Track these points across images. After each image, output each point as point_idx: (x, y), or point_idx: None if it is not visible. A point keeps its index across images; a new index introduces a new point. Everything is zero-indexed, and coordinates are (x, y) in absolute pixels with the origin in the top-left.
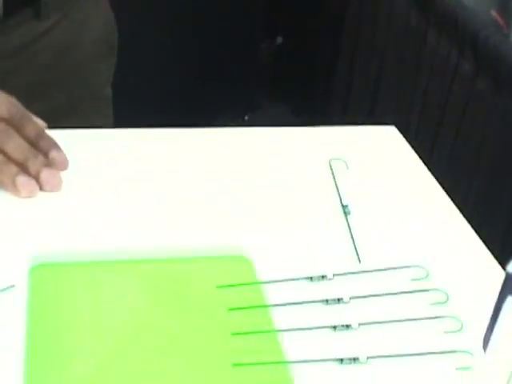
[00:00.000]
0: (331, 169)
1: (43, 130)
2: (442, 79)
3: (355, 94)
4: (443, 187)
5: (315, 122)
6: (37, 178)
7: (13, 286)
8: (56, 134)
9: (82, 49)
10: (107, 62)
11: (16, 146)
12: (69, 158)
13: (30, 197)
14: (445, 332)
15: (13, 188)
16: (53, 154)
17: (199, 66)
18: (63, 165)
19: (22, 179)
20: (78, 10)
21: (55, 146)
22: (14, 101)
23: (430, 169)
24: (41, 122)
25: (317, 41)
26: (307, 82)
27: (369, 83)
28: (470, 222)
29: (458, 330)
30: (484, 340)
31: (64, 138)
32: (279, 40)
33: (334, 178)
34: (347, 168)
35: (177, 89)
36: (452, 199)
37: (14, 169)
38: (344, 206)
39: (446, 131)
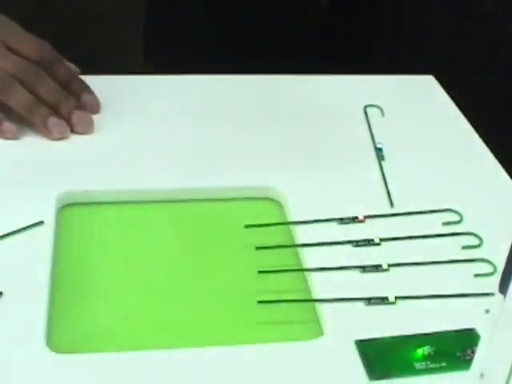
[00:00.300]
0: (366, 115)
1: (75, 74)
2: (487, 40)
3: (400, 56)
4: (488, 143)
5: None
6: (68, 120)
7: (42, 222)
8: (88, 79)
9: None
10: (136, 12)
11: (48, 88)
12: (101, 102)
13: (61, 138)
14: (476, 275)
15: (44, 129)
16: (85, 96)
17: (242, 30)
18: (95, 107)
19: (54, 120)
20: None
21: (87, 88)
22: (46, 44)
23: (474, 125)
24: (73, 67)
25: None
26: (351, 47)
27: (414, 45)
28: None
29: (491, 274)
30: (502, 280)
31: (97, 82)
32: (324, 3)
33: (368, 123)
34: (382, 115)
35: (215, 56)
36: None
37: (45, 110)
38: (378, 150)
39: (491, 91)
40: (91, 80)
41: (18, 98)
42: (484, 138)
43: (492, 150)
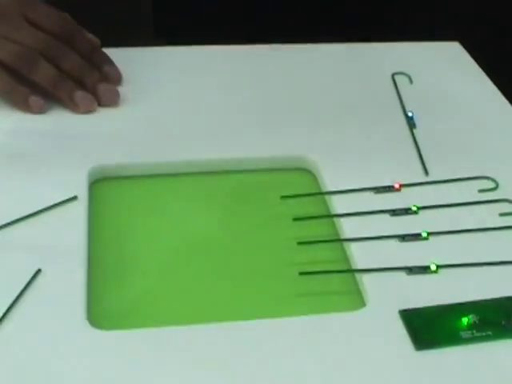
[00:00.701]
0: (395, 83)
1: (96, 45)
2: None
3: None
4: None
5: None
6: (94, 93)
7: (75, 197)
8: (109, 52)
9: None
10: None
11: (72, 61)
12: (124, 75)
13: (88, 112)
14: None
15: (71, 103)
16: (106, 68)
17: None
18: (117, 79)
19: (80, 94)
20: None
21: (108, 60)
22: (66, 16)
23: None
24: (94, 38)
25: None
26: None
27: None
28: None
29: None
30: None
31: (113, 55)
32: None
33: (397, 91)
34: (411, 83)
35: (229, 27)
36: None
37: (71, 84)
38: (409, 118)
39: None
40: (108, 52)
41: (44, 73)
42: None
43: None
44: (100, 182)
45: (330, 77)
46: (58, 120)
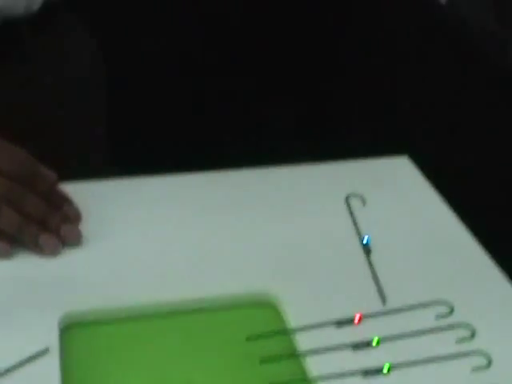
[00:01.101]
0: (348, 206)
1: (54, 184)
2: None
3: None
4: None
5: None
6: (57, 234)
7: (47, 350)
8: (67, 187)
9: (66, 87)
10: (95, 100)
11: (33, 204)
12: (83, 210)
13: (53, 254)
14: (473, 369)
15: (36, 247)
16: (65, 208)
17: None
18: (77, 218)
19: (45, 237)
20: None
21: (67, 199)
22: (24, 155)
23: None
24: (52, 174)
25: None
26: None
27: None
28: (492, 255)
29: (486, 367)
30: None
31: (74, 190)
32: None
33: (352, 215)
34: (364, 205)
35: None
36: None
37: (34, 228)
38: (364, 245)
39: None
40: (66, 187)
41: (7, 219)
42: (460, 216)
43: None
44: (71, 329)
45: (283, 203)
46: (25, 265)
